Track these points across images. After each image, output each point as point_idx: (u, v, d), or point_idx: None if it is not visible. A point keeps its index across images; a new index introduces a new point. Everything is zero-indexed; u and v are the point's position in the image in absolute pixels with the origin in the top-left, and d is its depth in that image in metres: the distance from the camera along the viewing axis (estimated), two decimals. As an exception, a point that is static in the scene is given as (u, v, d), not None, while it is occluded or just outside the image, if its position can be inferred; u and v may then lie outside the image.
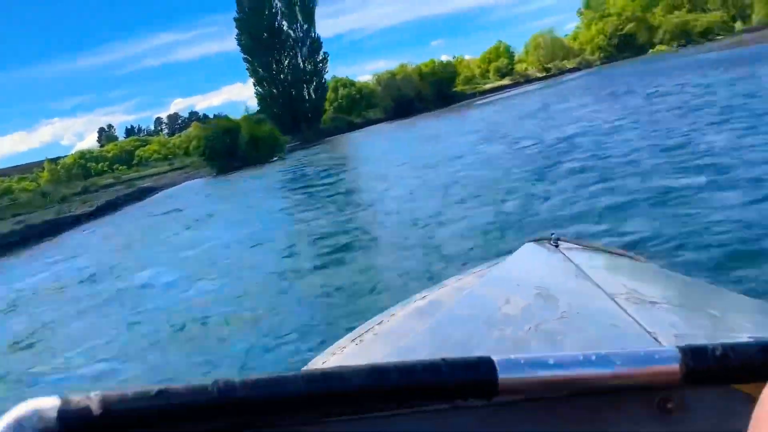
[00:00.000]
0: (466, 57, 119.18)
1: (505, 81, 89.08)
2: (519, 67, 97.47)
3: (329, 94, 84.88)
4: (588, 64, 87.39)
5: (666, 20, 75.43)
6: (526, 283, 1.49)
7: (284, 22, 67.51)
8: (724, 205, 6.33)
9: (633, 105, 18.74)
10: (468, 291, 1.57)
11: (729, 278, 4.39)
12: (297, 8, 67.04)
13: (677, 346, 0.51)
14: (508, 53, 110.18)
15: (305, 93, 69.01)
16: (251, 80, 68.04)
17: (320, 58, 71.26)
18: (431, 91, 77.45)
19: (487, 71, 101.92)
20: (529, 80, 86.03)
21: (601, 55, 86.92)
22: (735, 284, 4.07)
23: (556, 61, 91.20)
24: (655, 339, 1.04)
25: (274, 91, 68.40)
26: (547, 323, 1.19)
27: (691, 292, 1.62)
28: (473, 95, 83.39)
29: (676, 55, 61.69)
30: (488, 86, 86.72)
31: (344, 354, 1.40)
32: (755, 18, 70.70)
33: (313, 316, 6.21)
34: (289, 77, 68.52)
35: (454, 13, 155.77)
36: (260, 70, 68.11)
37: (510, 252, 1.87)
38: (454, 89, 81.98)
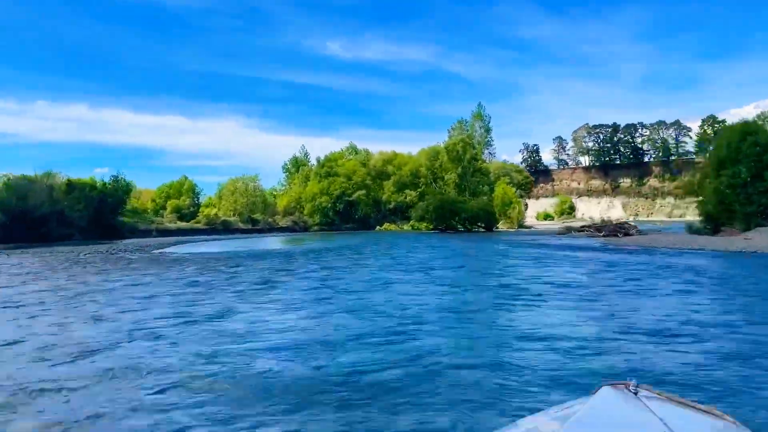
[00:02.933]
0: (138, 186, 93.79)
1: (197, 224, 65.89)
2: (207, 211, 77.67)
3: None
4: (304, 227, 70.66)
5: (430, 197, 63.55)
6: None
7: None
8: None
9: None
10: None
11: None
12: None
13: None
14: (194, 193, 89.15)
15: None
16: None
17: None
18: (85, 213, 48.95)
19: (163, 207, 79.07)
20: (229, 229, 64.52)
21: (321, 219, 71.42)
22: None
23: (258, 213, 72.60)
24: None
25: None
26: None
27: None
28: (148, 232, 57.31)
29: (405, 236, 48.99)
30: (174, 225, 61.80)
31: None
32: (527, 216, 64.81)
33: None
34: None
35: (129, 146, 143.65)
36: None
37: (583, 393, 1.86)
38: (121, 217, 54.59)
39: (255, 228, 65.08)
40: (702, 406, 1.76)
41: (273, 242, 44.95)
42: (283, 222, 71.19)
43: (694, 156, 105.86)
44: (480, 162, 71.04)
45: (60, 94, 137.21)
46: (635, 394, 1.75)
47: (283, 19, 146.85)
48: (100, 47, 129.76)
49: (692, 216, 57.01)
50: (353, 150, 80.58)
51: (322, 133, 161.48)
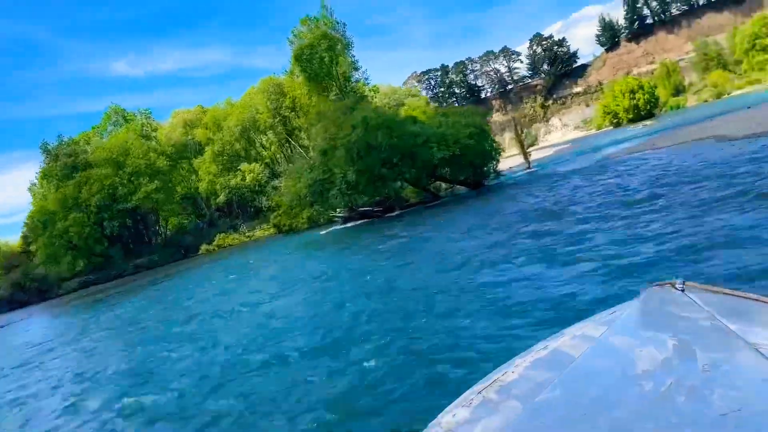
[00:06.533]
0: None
1: None
2: None
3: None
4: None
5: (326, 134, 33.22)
6: (659, 332, 1.39)
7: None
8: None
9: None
10: (596, 341, 1.45)
11: None
12: None
13: None
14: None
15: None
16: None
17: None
18: None
19: None
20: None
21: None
22: None
23: None
24: None
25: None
26: (688, 378, 1.13)
27: None
28: None
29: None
30: None
31: (472, 408, 1.28)
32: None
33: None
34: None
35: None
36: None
37: (630, 297, 1.72)
38: None
39: None
40: (752, 295, 1.59)
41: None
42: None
43: (530, 80, 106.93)
44: (359, 84, 39.56)
45: None
46: (682, 291, 1.63)
47: (60, 48, 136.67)
48: None
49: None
50: (120, 117, 42.87)
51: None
